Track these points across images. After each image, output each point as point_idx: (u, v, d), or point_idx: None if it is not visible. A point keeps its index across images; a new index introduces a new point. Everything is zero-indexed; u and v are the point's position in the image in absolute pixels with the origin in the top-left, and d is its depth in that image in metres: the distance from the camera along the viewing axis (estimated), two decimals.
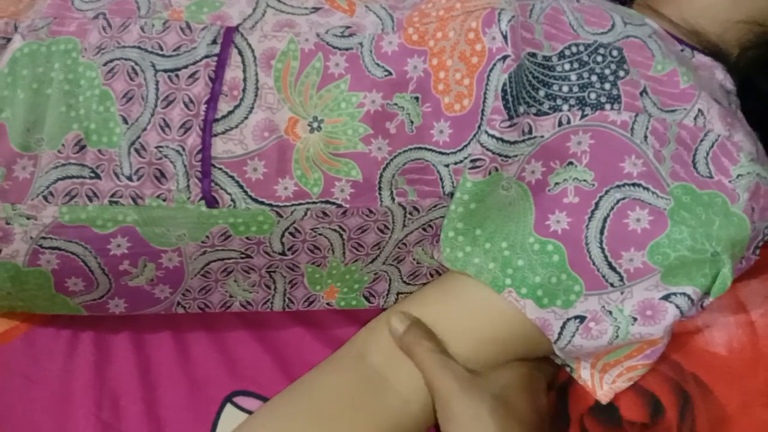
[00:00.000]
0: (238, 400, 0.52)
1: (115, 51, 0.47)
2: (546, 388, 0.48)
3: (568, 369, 0.50)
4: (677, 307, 0.43)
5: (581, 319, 0.45)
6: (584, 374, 0.48)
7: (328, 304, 0.53)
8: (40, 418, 0.51)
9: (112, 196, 0.46)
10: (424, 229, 0.49)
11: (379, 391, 0.45)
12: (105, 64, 0.47)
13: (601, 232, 0.44)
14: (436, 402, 0.44)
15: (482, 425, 0.42)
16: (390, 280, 0.52)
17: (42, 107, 0.46)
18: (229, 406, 0.52)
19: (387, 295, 0.53)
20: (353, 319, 0.56)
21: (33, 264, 0.47)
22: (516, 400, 0.44)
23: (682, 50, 0.50)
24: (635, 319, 0.44)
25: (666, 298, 0.43)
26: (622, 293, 0.44)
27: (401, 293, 0.53)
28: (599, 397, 0.48)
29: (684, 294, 0.43)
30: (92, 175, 0.46)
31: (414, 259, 0.51)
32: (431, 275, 0.52)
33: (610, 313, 0.44)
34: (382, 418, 0.44)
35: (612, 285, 0.44)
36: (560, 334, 0.45)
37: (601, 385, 0.48)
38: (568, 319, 0.45)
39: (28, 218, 0.46)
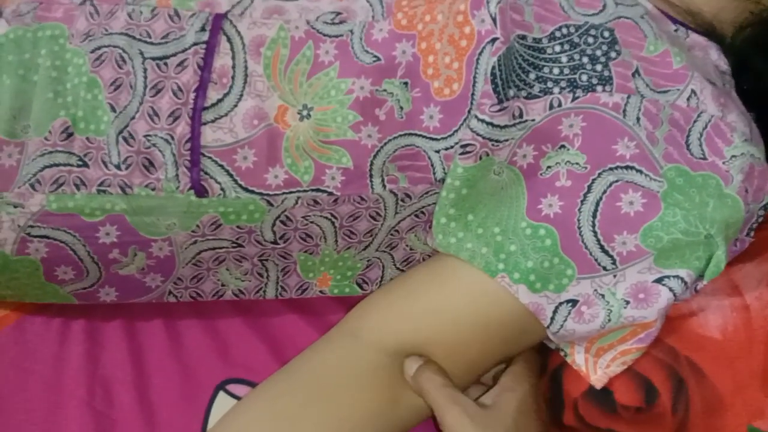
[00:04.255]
0: (231, 387, 0.52)
1: (102, 38, 0.46)
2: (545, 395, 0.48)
3: (562, 353, 0.49)
4: (670, 290, 0.43)
5: (573, 303, 0.44)
6: (578, 359, 0.48)
7: (321, 291, 0.53)
8: (32, 407, 0.51)
9: (100, 184, 0.46)
10: (417, 216, 0.49)
11: (372, 369, 0.45)
12: (93, 51, 0.46)
13: (594, 216, 0.44)
14: None
15: None
16: (383, 266, 0.52)
17: (28, 94, 0.46)
18: (221, 394, 0.52)
19: (380, 281, 0.52)
20: (346, 306, 0.56)
21: (21, 253, 0.47)
22: (526, 426, 0.44)
23: (675, 30, 0.49)
24: (628, 302, 0.43)
25: (659, 281, 0.43)
26: (614, 276, 0.44)
27: None
28: (593, 382, 0.48)
29: (677, 277, 0.43)
30: (80, 163, 0.46)
31: (407, 246, 0.51)
32: (424, 261, 0.51)
33: (603, 296, 0.44)
34: (375, 395, 0.44)
35: (605, 268, 0.44)
36: (552, 318, 0.45)
37: (595, 369, 0.48)
38: (560, 303, 0.44)
39: (15, 206, 0.45)
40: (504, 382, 0.46)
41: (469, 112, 0.44)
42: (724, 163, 0.44)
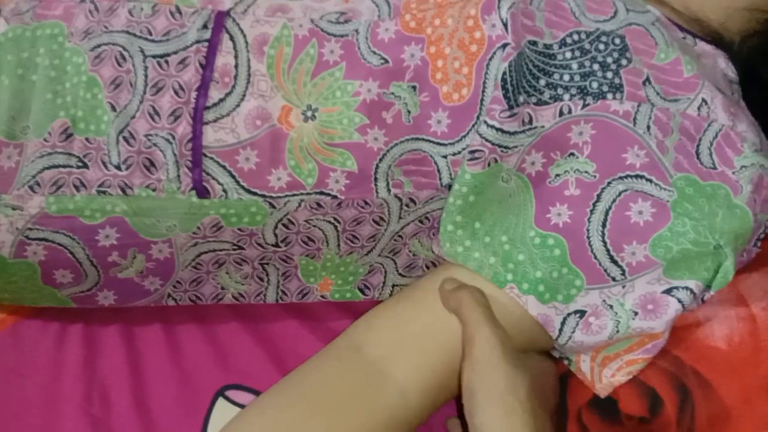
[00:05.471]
0: (231, 394, 0.52)
1: (102, 36, 0.45)
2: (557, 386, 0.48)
3: (566, 362, 0.49)
4: (679, 301, 0.42)
5: (581, 313, 0.44)
6: (583, 367, 0.48)
7: (322, 296, 0.52)
8: (28, 413, 0.50)
9: (101, 185, 0.45)
10: (421, 222, 0.48)
11: (375, 383, 0.44)
12: (92, 50, 0.45)
13: (603, 225, 0.43)
14: (467, 359, 0.41)
15: (518, 401, 0.39)
16: (385, 272, 0.51)
17: (27, 94, 0.45)
18: (221, 401, 0.51)
19: (382, 287, 0.52)
20: (348, 312, 0.55)
21: (19, 256, 0.46)
22: (545, 389, 0.44)
23: (684, 38, 0.49)
24: (636, 314, 0.43)
25: (668, 291, 0.43)
26: (623, 287, 0.43)
27: (397, 285, 0.52)
28: (598, 391, 0.48)
29: (686, 288, 0.42)
30: (80, 164, 0.45)
31: (410, 252, 0.50)
32: (427, 267, 0.51)
33: (611, 307, 0.43)
34: (378, 410, 0.43)
35: (614, 279, 0.43)
36: (561, 330, 0.44)
37: (600, 378, 0.47)
38: (569, 314, 0.44)
39: (13, 209, 0.44)
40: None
41: (478, 117, 0.44)
42: (733, 173, 0.44)
